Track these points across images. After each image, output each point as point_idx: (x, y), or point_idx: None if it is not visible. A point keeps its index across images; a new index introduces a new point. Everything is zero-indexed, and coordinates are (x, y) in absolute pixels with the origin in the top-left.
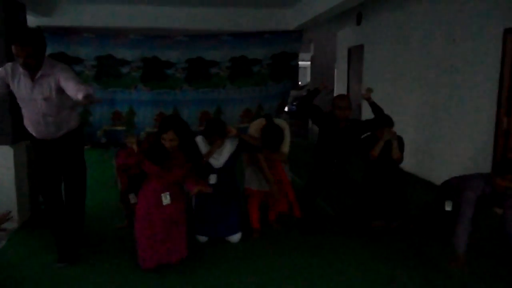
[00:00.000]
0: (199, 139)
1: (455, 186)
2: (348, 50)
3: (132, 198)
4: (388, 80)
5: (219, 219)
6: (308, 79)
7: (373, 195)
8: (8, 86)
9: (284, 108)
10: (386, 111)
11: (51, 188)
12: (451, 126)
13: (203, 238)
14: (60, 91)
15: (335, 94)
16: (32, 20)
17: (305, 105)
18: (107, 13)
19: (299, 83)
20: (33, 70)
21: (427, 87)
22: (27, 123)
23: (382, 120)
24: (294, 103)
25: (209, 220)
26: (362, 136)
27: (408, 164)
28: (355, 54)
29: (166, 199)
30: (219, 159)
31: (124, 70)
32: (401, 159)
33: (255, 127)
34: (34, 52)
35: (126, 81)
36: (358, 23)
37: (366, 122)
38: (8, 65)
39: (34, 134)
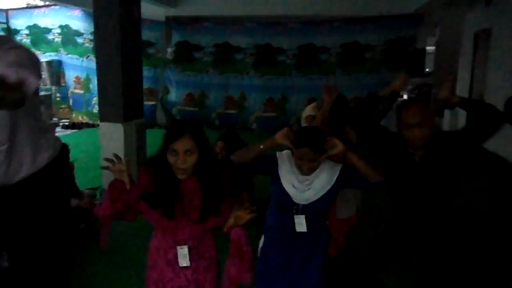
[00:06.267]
0: (284, 155)
1: None
2: (475, 34)
3: None
4: None
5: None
6: (432, 65)
7: None
8: None
9: (397, 97)
10: None
11: None
12: None
13: None
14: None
15: (457, 86)
16: (161, 12)
17: (359, 121)
18: (226, 1)
19: (427, 69)
20: None
21: None
22: None
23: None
24: (416, 91)
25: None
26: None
27: None
28: (482, 39)
29: (184, 257)
30: (305, 192)
31: (239, 56)
32: None
33: (311, 105)
34: None
35: (239, 67)
36: (488, 3)
37: (464, 132)
38: None
39: None
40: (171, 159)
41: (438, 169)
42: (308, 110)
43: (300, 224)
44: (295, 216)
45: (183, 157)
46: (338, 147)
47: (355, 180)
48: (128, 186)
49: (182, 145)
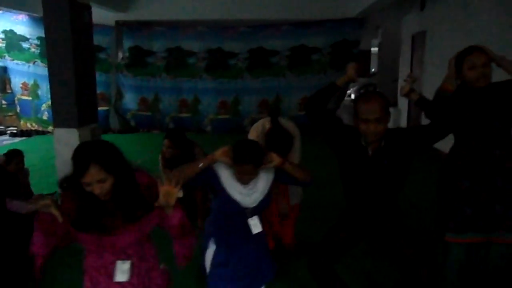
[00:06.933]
0: (222, 166)
1: None
2: (412, 36)
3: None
4: None
5: (249, 273)
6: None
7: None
8: None
9: (344, 96)
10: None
11: None
12: None
13: None
14: None
15: (398, 84)
16: (111, 16)
17: (314, 109)
18: (177, 6)
19: (372, 69)
20: None
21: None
22: None
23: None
24: (362, 91)
25: (234, 277)
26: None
27: None
28: (419, 41)
29: (123, 272)
30: (251, 195)
31: (191, 60)
32: None
33: (257, 130)
34: None
35: (192, 71)
36: (422, 8)
37: (424, 129)
38: None
39: None
40: (86, 189)
41: (389, 164)
42: (257, 136)
43: (255, 225)
44: (250, 220)
45: (97, 188)
46: (276, 160)
47: (287, 178)
48: (60, 219)
49: (91, 177)
